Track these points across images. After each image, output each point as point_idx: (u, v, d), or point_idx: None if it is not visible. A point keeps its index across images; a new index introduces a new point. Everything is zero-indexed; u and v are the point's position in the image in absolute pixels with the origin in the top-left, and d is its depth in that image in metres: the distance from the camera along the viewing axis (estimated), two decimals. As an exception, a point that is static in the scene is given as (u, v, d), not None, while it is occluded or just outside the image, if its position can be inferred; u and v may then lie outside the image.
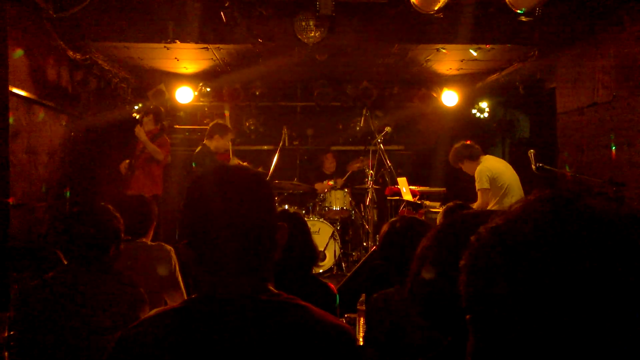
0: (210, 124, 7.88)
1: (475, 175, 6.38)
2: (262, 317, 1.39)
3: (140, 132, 7.31)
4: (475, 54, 7.17)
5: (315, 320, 1.42)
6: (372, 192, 8.10)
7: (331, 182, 8.83)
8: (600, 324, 0.78)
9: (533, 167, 5.84)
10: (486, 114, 9.52)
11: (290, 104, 10.35)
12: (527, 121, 9.50)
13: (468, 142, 6.70)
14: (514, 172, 6.43)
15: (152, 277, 3.55)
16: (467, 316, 0.93)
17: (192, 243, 1.46)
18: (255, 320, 1.38)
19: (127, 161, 7.35)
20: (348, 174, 9.01)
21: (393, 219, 3.16)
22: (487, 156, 6.53)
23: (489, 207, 6.28)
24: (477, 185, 6.34)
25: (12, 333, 2.73)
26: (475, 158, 6.48)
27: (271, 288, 1.48)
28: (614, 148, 5.83)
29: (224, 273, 1.43)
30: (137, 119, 7.73)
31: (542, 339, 0.80)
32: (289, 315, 1.41)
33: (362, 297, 3.41)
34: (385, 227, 3.06)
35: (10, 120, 5.37)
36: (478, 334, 0.92)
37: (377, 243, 3.11)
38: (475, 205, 6.42)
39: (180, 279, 3.73)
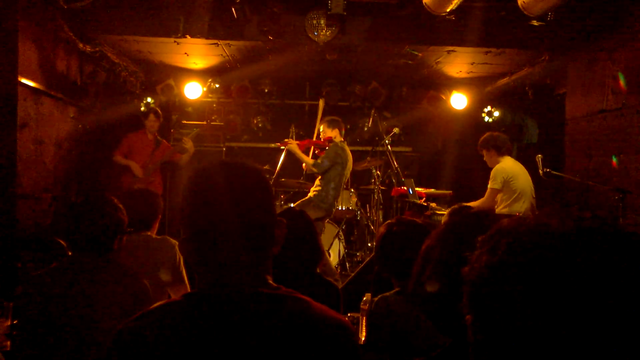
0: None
1: (492, 172, 6.35)
2: (261, 310, 1.39)
3: (191, 146, 7.71)
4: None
5: (314, 313, 1.43)
6: (379, 193, 8.09)
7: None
8: (614, 330, 0.78)
9: (540, 172, 5.82)
10: (495, 118, 9.49)
11: (298, 103, 10.35)
12: (536, 126, 9.47)
13: (505, 136, 6.69)
14: (529, 177, 6.37)
15: (156, 270, 3.55)
16: (468, 316, 0.93)
17: (191, 237, 1.46)
18: (255, 313, 1.39)
19: (138, 165, 7.52)
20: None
21: (389, 220, 3.13)
22: (508, 157, 6.48)
23: (497, 210, 6.26)
24: (490, 184, 6.34)
25: (15, 322, 2.74)
26: (501, 153, 6.42)
27: (270, 282, 1.48)
28: (612, 157, 5.81)
29: (223, 267, 1.44)
30: (144, 112, 7.90)
31: (550, 341, 0.80)
32: (288, 308, 1.42)
33: (366, 297, 3.40)
34: (382, 230, 3.03)
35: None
36: (481, 335, 0.92)
37: (374, 246, 3.09)
38: (478, 202, 6.40)
39: (184, 273, 3.73)
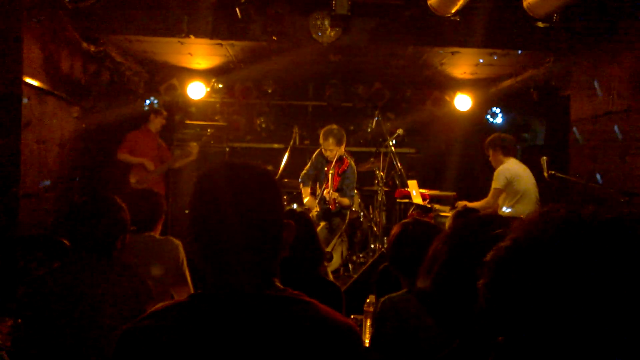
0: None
1: (495, 173, 6.40)
2: (267, 313, 1.39)
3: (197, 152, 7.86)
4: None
5: (320, 316, 1.43)
6: (382, 194, 8.06)
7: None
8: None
9: (545, 174, 5.80)
10: (499, 120, 9.47)
11: (301, 103, 10.34)
12: (541, 128, 9.45)
13: (512, 137, 6.73)
14: (533, 179, 6.37)
15: (160, 270, 3.54)
16: (500, 338, 0.94)
17: (199, 238, 1.45)
18: (261, 315, 1.38)
19: (134, 175, 7.56)
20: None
21: (405, 220, 3.14)
22: (512, 159, 6.51)
23: (500, 211, 6.24)
24: (493, 184, 6.37)
25: (18, 322, 2.73)
26: (506, 154, 6.47)
27: (277, 284, 1.48)
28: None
29: (230, 268, 1.43)
30: (155, 109, 7.96)
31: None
32: (294, 311, 1.41)
33: (369, 299, 3.38)
34: (396, 229, 3.03)
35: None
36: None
37: (387, 244, 3.09)
38: (482, 202, 6.40)
39: (187, 273, 3.72)
